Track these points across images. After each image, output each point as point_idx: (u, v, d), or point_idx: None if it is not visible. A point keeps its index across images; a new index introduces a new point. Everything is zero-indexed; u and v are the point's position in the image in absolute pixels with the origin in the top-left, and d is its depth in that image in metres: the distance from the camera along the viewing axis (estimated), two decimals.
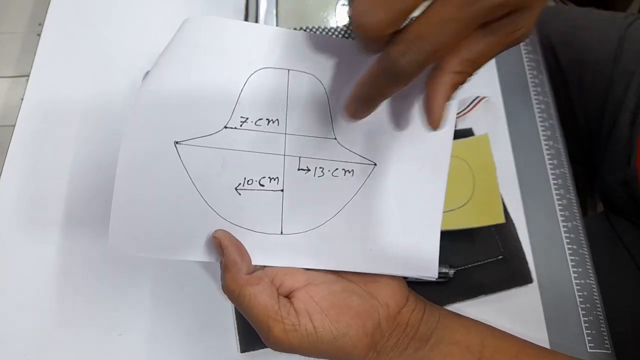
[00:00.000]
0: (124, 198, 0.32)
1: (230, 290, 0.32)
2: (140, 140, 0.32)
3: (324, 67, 0.34)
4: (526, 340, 0.36)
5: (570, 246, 0.48)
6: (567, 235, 0.49)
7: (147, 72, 0.32)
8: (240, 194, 0.33)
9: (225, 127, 0.33)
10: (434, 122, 0.27)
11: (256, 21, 0.56)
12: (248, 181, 0.33)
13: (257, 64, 0.33)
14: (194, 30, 0.32)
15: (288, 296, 0.33)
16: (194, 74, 0.32)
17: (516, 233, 0.48)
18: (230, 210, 0.33)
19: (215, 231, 0.33)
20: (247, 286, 0.31)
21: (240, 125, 0.33)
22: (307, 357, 0.43)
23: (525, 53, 0.58)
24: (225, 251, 0.32)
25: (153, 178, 0.32)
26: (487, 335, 0.35)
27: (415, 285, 0.37)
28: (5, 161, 0.51)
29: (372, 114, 0.31)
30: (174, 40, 0.32)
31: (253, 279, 0.32)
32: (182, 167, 0.32)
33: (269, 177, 0.34)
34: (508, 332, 0.37)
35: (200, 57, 0.32)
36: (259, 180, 0.33)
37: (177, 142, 0.32)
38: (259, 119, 0.33)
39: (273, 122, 0.33)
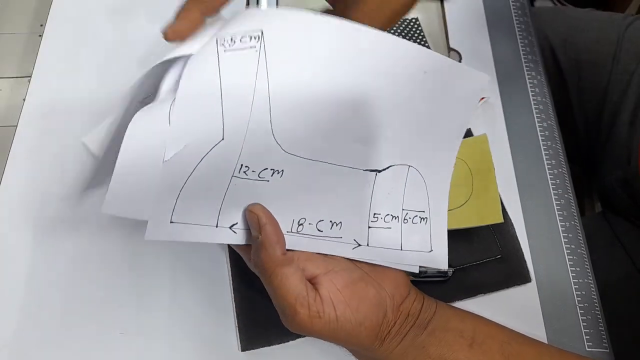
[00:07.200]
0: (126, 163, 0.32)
1: (264, 268, 0.32)
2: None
3: None
4: (516, 331, 0.37)
5: (568, 245, 0.49)
6: (565, 234, 0.49)
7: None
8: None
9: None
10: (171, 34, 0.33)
11: None
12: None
13: None
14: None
15: (311, 282, 0.34)
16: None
17: (514, 232, 0.49)
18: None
19: (252, 205, 0.33)
20: (281, 266, 0.32)
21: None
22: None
23: (524, 54, 0.58)
24: (264, 228, 0.32)
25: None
26: (479, 324, 0.36)
27: (415, 284, 0.38)
28: (7, 161, 0.51)
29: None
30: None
31: (287, 259, 0.33)
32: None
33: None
34: None
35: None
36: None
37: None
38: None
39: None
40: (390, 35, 0.34)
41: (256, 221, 0.33)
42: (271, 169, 0.34)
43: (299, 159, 0.34)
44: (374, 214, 0.37)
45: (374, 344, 0.34)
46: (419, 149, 0.37)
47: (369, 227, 0.36)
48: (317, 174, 0.35)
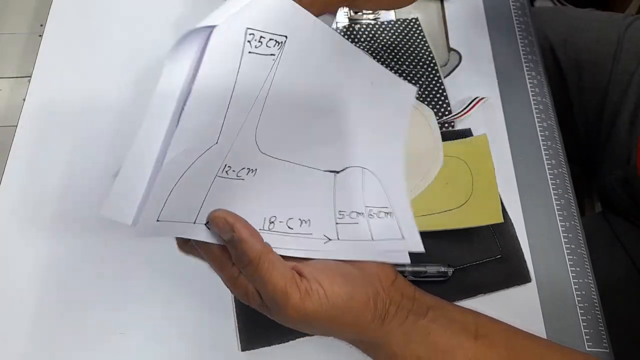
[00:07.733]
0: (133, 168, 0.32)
1: (248, 260, 0.32)
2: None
3: None
4: (515, 327, 0.37)
5: (568, 245, 0.49)
6: (565, 234, 0.49)
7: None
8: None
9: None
10: None
11: None
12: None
13: None
14: None
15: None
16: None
17: (514, 232, 0.49)
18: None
19: (214, 211, 0.33)
20: (265, 254, 0.32)
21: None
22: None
23: (524, 54, 0.58)
24: (234, 226, 0.32)
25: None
26: (480, 318, 0.37)
27: (415, 284, 0.38)
28: (7, 161, 0.51)
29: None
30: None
31: (268, 247, 0.33)
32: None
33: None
34: None
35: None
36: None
37: None
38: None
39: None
40: (352, 46, 0.38)
41: (223, 222, 0.32)
42: (247, 168, 0.35)
43: (270, 158, 0.35)
44: (339, 211, 0.38)
45: (373, 323, 0.34)
46: (370, 152, 0.39)
47: (337, 224, 0.37)
48: (285, 173, 0.36)
